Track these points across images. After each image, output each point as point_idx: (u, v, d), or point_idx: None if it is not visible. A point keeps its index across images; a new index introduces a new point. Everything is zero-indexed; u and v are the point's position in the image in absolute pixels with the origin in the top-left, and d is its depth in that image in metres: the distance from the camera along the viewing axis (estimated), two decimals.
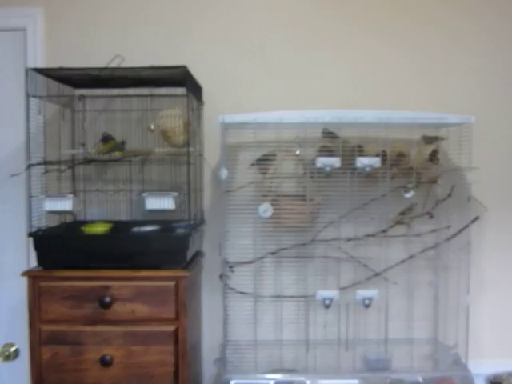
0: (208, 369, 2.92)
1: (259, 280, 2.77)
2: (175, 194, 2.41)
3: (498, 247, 2.93)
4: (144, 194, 2.42)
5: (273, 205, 2.54)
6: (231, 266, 2.59)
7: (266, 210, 2.46)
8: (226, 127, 2.66)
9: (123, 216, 2.86)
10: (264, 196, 2.64)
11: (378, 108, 2.75)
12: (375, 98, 2.90)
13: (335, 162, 2.43)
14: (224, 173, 2.44)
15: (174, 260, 2.40)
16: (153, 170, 2.83)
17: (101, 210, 2.86)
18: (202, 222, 2.81)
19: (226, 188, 2.54)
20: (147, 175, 2.85)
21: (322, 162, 2.43)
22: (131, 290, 2.38)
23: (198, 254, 2.82)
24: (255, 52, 2.91)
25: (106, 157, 2.62)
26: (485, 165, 2.84)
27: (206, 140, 2.85)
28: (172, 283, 2.38)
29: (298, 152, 2.70)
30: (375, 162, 2.43)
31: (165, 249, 2.40)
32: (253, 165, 2.59)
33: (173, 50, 2.87)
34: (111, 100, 2.84)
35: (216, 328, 2.87)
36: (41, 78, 2.53)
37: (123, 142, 2.67)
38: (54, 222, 2.68)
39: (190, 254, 2.49)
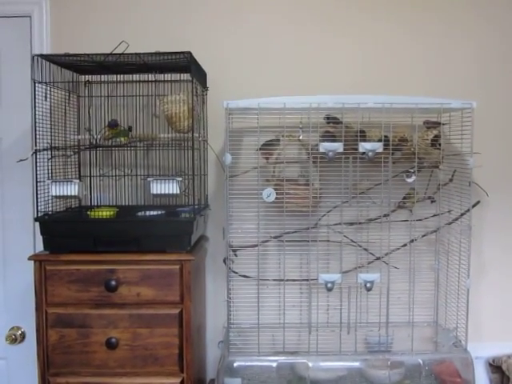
0: (212, 351, 2.97)
1: (263, 264, 2.81)
2: (179, 178, 2.44)
3: (499, 231, 2.97)
4: (149, 179, 2.44)
5: (276, 189, 2.56)
6: (234, 250, 2.62)
7: (269, 194, 2.49)
8: (230, 112, 2.69)
9: (128, 201, 2.89)
10: (267, 181, 2.67)
11: (381, 93, 2.77)
12: (378, 84, 2.93)
13: (338, 146, 2.46)
14: (228, 158, 2.47)
15: (178, 244, 2.44)
16: (158, 156, 2.86)
17: (106, 195, 2.89)
18: (206, 206, 2.85)
19: (230, 173, 2.57)
20: (153, 161, 2.88)
21: (325, 146, 2.45)
22: (137, 273, 2.41)
23: (203, 239, 2.85)
24: (260, 37, 2.93)
25: (111, 142, 2.64)
26: (486, 150, 2.86)
27: (210, 125, 2.88)
28: (177, 267, 2.42)
29: (301, 137, 2.72)
30: (378, 146, 2.45)
31: (170, 233, 2.43)
32: (258, 150, 2.61)
33: (177, 35, 2.90)
34: (116, 86, 2.86)
35: (220, 311, 2.91)
36: (47, 65, 2.55)
37: (129, 128, 2.70)
38: (60, 207, 2.71)
39: (194, 238, 2.53)
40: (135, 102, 2.86)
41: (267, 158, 2.71)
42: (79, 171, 2.86)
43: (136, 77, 2.84)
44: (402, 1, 2.91)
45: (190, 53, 2.40)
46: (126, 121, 2.82)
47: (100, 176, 2.85)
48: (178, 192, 2.44)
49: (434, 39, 2.93)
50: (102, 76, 2.85)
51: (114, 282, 2.40)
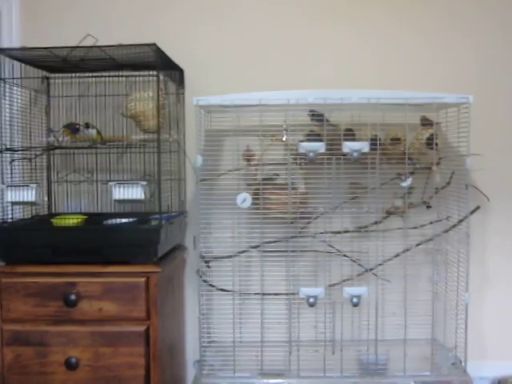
0: (192, 371, 2.74)
1: (244, 276, 2.59)
2: (144, 183, 2.22)
3: (502, 239, 2.72)
4: (111, 183, 2.23)
5: (257, 194, 2.34)
6: (207, 262, 2.40)
7: (244, 199, 2.27)
8: (208, 111, 2.49)
9: (102, 208, 2.67)
10: (249, 185, 2.45)
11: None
12: (369, 80, 2.70)
13: (319, 147, 2.23)
14: (199, 160, 2.25)
15: (144, 254, 2.22)
16: (132, 159, 2.65)
17: (78, 202, 2.69)
18: (182, 213, 2.63)
19: (202, 176, 2.35)
20: (126, 164, 2.67)
21: (305, 147, 2.23)
22: (98, 286, 2.20)
23: (178, 248, 2.64)
24: (241, 33, 2.72)
25: (79, 145, 2.44)
26: (488, 151, 2.63)
27: (190, 126, 2.66)
28: (142, 279, 2.21)
29: (284, 138, 2.50)
30: (363, 146, 2.22)
31: (134, 242, 2.22)
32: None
33: (154, 34, 2.67)
34: (88, 85, 2.66)
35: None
36: (17, 64, 2.42)
37: (86, 125, 2.48)
38: (26, 214, 2.54)
39: (163, 247, 2.31)
40: (107, 103, 2.65)
41: (248, 160, 2.50)
42: (47, 176, 2.66)
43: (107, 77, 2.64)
44: None
45: (155, 44, 2.20)
46: (97, 121, 2.62)
47: (68, 181, 2.65)
48: (143, 197, 2.22)
49: (431, 32, 2.70)
50: (73, 75, 2.67)
51: (73, 297, 2.19)
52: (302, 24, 2.71)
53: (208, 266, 2.42)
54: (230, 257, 2.38)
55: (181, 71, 2.67)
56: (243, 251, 2.44)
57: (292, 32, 2.71)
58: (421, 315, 2.59)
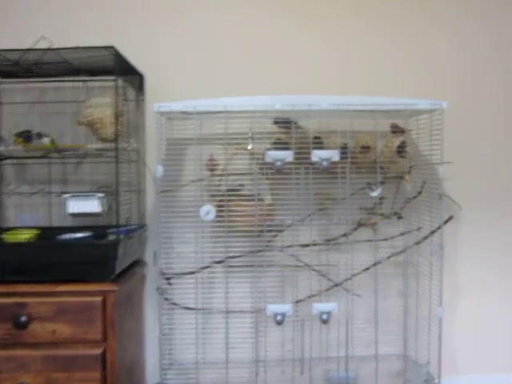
0: None
1: (206, 293, 2.46)
2: (101, 195, 2.07)
3: (474, 249, 2.64)
4: (65, 196, 2.08)
5: (221, 206, 2.22)
6: (168, 279, 2.26)
7: (207, 212, 2.14)
8: (169, 118, 2.37)
9: (58, 221, 2.51)
10: (212, 196, 2.33)
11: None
12: (336, 85, 2.60)
13: (287, 155, 2.11)
14: (159, 170, 2.12)
15: (100, 272, 2.07)
16: (90, 169, 2.50)
17: (32, 216, 2.52)
18: (142, 226, 2.48)
19: (163, 187, 2.21)
20: (83, 175, 2.52)
21: (272, 155, 2.11)
22: (51, 307, 2.04)
23: (138, 264, 2.49)
24: (204, 36, 2.60)
25: (31, 154, 2.29)
26: (459, 159, 2.55)
27: (150, 134, 2.52)
28: (98, 299, 2.05)
29: (250, 146, 2.38)
30: (332, 155, 2.12)
31: (90, 259, 2.06)
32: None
33: (113, 37, 2.54)
34: (42, 91, 2.51)
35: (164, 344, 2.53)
36: None
37: (51, 139, 2.32)
38: None
39: (121, 263, 2.16)
40: (63, 109, 2.50)
41: (212, 170, 2.37)
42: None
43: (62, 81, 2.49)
44: None
45: (113, 47, 2.06)
46: (52, 130, 2.46)
47: (17, 193, 2.47)
48: (100, 210, 2.07)
49: (401, 37, 2.61)
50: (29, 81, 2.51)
51: (24, 318, 2.02)
52: (267, 28, 2.60)
53: (169, 284, 2.28)
54: (192, 273, 2.25)
55: (141, 76, 2.54)
56: (206, 267, 2.30)
57: (257, 36, 2.60)
58: (392, 330, 2.50)
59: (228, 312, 2.27)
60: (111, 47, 2.05)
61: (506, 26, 2.64)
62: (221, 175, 2.35)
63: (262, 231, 2.26)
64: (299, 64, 2.60)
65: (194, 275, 2.25)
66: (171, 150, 2.42)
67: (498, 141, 2.64)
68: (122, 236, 2.13)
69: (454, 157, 2.53)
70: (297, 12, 2.60)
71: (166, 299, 2.27)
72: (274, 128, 2.34)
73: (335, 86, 2.60)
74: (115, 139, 2.10)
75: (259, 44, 2.59)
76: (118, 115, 2.11)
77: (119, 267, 2.14)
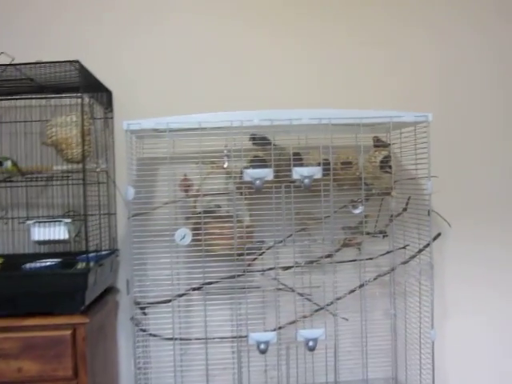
0: None
1: (183, 321, 2.32)
2: (68, 220, 1.93)
3: (463, 267, 2.54)
4: (29, 222, 1.93)
5: (197, 229, 2.09)
6: (142, 308, 2.11)
7: (183, 236, 2.00)
8: (140, 137, 2.23)
9: (22, 248, 2.35)
10: (188, 219, 2.20)
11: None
12: (321, 99, 2.50)
13: (267, 173, 1.99)
14: (130, 192, 1.98)
15: (69, 303, 1.92)
16: (56, 193, 2.35)
17: None
18: (113, 252, 2.33)
19: (135, 210, 2.07)
20: (48, 199, 2.37)
21: (251, 174, 1.99)
22: (16, 342, 1.89)
23: (110, 292, 2.34)
24: (176, 49, 2.47)
25: None
26: (444, 173, 2.46)
27: (120, 154, 2.38)
28: (68, 332, 1.91)
29: (226, 164, 2.26)
30: (315, 172, 2.00)
31: (57, 290, 1.92)
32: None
33: (79, 52, 2.41)
34: (3, 111, 2.37)
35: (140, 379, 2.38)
36: None
37: (13, 162, 2.17)
38: None
39: (92, 293, 2.02)
40: (26, 130, 2.36)
41: (186, 191, 2.24)
42: None
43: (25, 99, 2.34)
44: (351, 1, 2.49)
45: (78, 62, 1.93)
46: (14, 152, 2.32)
47: None
48: (67, 237, 1.92)
49: (387, 47, 2.52)
50: None
51: None
52: (242, 40, 2.48)
53: (144, 314, 2.13)
54: (168, 301, 2.10)
55: (109, 93, 2.41)
56: (183, 294, 2.16)
57: (232, 49, 2.48)
58: (380, 353, 2.38)
59: (207, 340, 2.13)
60: (76, 61, 1.92)
61: (493, 31, 2.56)
62: (196, 196, 2.22)
63: (241, 254, 2.13)
64: (276, 77, 2.49)
65: (170, 303, 2.10)
66: (143, 171, 2.28)
67: (483, 154, 2.55)
68: (92, 263, 1.98)
69: (437, 171, 2.43)
70: (273, 23, 2.49)
71: (142, 330, 2.12)
72: (252, 145, 2.23)
73: (314, 99, 2.50)
74: (82, 160, 1.95)
75: (234, 57, 2.48)
76: (84, 134, 1.97)
77: (89, 297, 1.99)
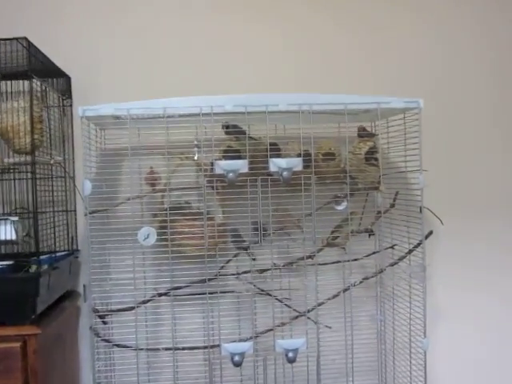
0: None
1: (154, 326, 2.11)
2: (14, 218, 1.70)
3: (456, 268, 2.36)
4: None
5: (164, 227, 1.88)
6: (102, 317, 1.89)
7: (147, 235, 1.79)
8: (101, 127, 2.02)
9: None
10: (154, 216, 1.99)
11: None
12: (301, 86, 2.29)
13: (240, 165, 1.78)
14: (87, 186, 1.76)
15: (17, 312, 1.71)
16: (3, 188, 2.12)
17: None
18: (72, 253, 2.11)
19: (93, 207, 1.86)
20: (1, 195, 2.13)
21: (222, 166, 1.78)
22: None
23: (70, 296, 2.12)
24: (141, 30, 2.27)
25: None
26: (434, 166, 2.27)
27: (80, 145, 2.16)
28: (16, 345, 1.69)
29: (196, 156, 2.06)
30: (295, 163, 1.79)
31: (3, 297, 1.70)
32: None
33: (37, 35, 2.17)
34: None
35: None
36: None
37: None
38: None
39: (45, 300, 1.80)
40: None
41: (152, 185, 2.03)
42: None
43: None
44: None
45: (25, 38, 1.70)
46: None
47: None
48: (14, 237, 1.70)
49: (372, 30, 2.33)
50: None
51: None
52: (213, 22, 2.28)
53: (104, 322, 1.91)
54: (131, 308, 1.88)
55: (67, 78, 2.18)
56: (148, 300, 1.94)
57: (202, 32, 2.28)
58: (367, 362, 2.19)
59: (176, 349, 1.92)
60: (23, 38, 1.70)
61: (484, 17, 2.38)
62: (163, 191, 2.01)
63: (213, 255, 1.92)
64: (251, 62, 2.29)
65: (133, 311, 1.88)
66: (104, 163, 2.07)
67: (476, 146, 2.37)
68: (44, 266, 1.76)
69: (425, 164, 2.24)
70: (249, 4, 2.28)
71: (104, 340, 1.91)
72: (224, 134, 2.02)
73: (292, 86, 2.29)
74: (31, 151, 1.72)
75: (204, 40, 2.28)
76: (33, 122, 1.74)
77: (42, 305, 1.77)
